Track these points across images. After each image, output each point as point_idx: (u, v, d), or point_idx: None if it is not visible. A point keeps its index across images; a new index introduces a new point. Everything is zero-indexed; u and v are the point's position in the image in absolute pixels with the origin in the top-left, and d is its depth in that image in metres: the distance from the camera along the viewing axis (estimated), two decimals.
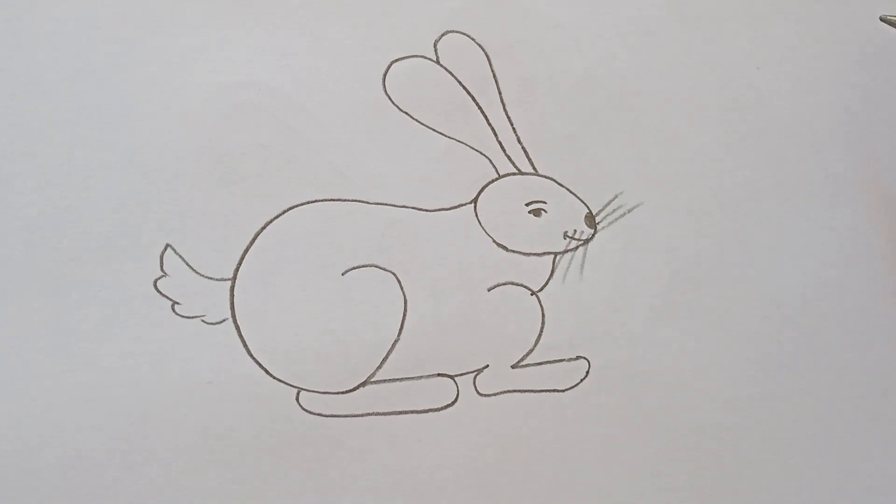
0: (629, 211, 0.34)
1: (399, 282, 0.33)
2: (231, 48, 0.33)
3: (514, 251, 0.34)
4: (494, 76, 0.34)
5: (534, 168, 0.34)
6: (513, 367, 0.34)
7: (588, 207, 0.34)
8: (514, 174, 0.34)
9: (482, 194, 0.34)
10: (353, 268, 0.33)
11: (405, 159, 0.34)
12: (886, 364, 0.35)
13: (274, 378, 0.33)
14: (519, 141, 0.34)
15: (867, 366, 0.35)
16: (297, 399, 0.33)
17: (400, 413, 0.33)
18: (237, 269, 0.33)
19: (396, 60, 0.34)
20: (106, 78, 0.33)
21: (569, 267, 0.34)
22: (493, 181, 0.34)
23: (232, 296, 0.33)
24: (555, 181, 0.34)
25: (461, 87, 0.34)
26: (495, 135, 0.34)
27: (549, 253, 0.34)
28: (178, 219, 0.33)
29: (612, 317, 0.34)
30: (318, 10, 0.33)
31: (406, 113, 0.34)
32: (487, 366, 0.34)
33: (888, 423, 0.34)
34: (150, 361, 0.32)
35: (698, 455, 0.34)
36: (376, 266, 0.33)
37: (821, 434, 0.34)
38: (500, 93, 0.34)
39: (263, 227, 0.33)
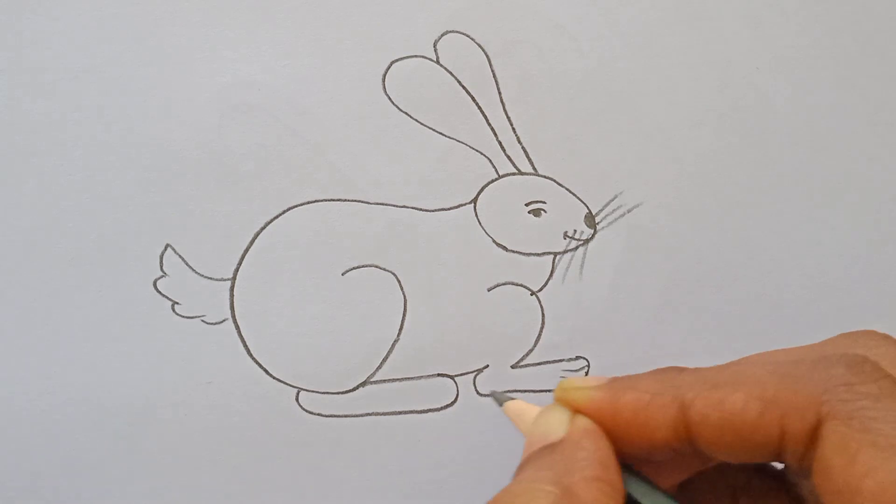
0: (629, 211, 0.34)
1: (399, 282, 0.33)
2: (231, 48, 0.33)
3: (514, 251, 0.34)
4: (494, 76, 0.34)
5: (534, 168, 0.34)
6: (513, 367, 0.34)
7: (588, 207, 0.34)
8: (513, 174, 0.34)
9: (482, 194, 0.34)
10: (353, 268, 0.33)
11: (405, 159, 0.34)
12: None
13: (274, 378, 0.33)
14: (519, 141, 0.34)
15: None
16: (297, 399, 0.33)
17: (400, 413, 0.33)
18: (237, 269, 0.33)
19: (396, 60, 0.34)
20: (106, 78, 0.33)
21: (569, 267, 0.34)
22: (492, 181, 0.34)
23: (232, 296, 0.33)
24: (555, 181, 0.34)
25: (461, 87, 0.34)
26: (495, 135, 0.34)
27: (549, 253, 0.34)
28: (178, 219, 0.33)
29: (612, 317, 0.34)
30: (318, 10, 0.33)
31: (406, 113, 0.34)
32: (487, 366, 0.34)
33: None
34: (150, 361, 0.32)
35: None
36: (376, 266, 0.33)
37: None
38: (499, 93, 0.34)
39: (263, 227, 0.33)
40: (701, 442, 0.22)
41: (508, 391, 0.34)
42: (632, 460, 0.24)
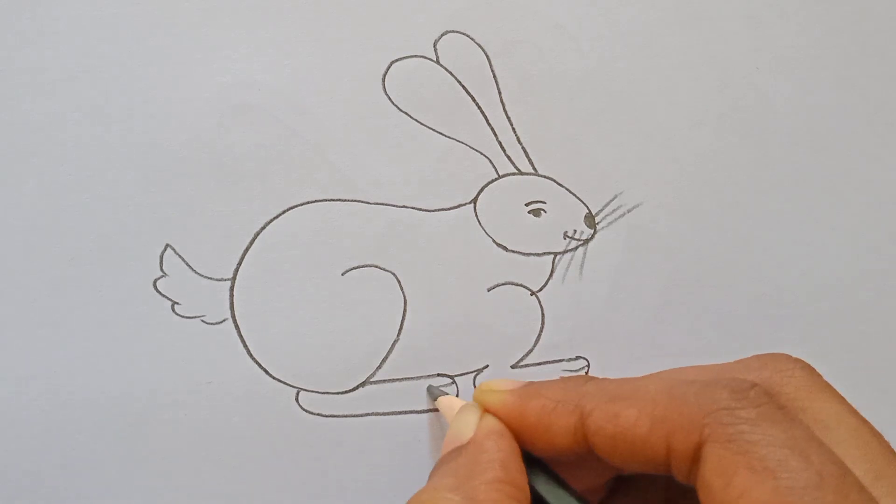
0: (629, 211, 0.34)
1: (399, 282, 0.33)
2: (231, 48, 0.33)
3: (514, 251, 0.34)
4: (494, 76, 0.34)
5: (534, 168, 0.34)
6: (513, 367, 0.34)
7: (588, 207, 0.34)
8: (513, 174, 0.34)
9: (482, 194, 0.34)
10: (353, 268, 0.33)
11: (405, 159, 0.34)
12: (886, 363, 0.35)
13: (274, 378, 0.33)
14: (519, 141, 0.34)
15: (867, 365, 0.35)
16: (297, 399, 0.33)
17: (400, 413, 0.33)
18: (237, 269, 0.33)
19: (396, 60, 0.34)
20: (106, 78, 0.33)
21: (568, 267, 0.34)
22: (492, 181, 0.34)
23: (232, 296, 0.33)
24: (555, 181, 0.34)
25: (461, 87, 0.34)
26: (495, 135, 0.34)
27: (549, 253, 0.34)
28: (178, 219, 0.33)
29: (612, 317, 0.34)
30: (318, 9, 0.33)
31: (406, 113, 0.34)
32: (487, 366, 0.34)
33: (887, 422, 0.34)
34: (150, 361, 0.32)
35: None
36: (376, 266, 0.33)
37: None
38: (500, 93, 0.34)
39: (263, 227, 0.33)
40: (597, 450, 0.23)
41: None
42: (548, 459, 0.25)
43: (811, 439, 0.20)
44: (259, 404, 0.33)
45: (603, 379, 0.25)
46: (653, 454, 0.22)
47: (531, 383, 0.26)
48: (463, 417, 0.25)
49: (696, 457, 0.21)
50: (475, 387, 0.34)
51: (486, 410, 0.25)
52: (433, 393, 0.32)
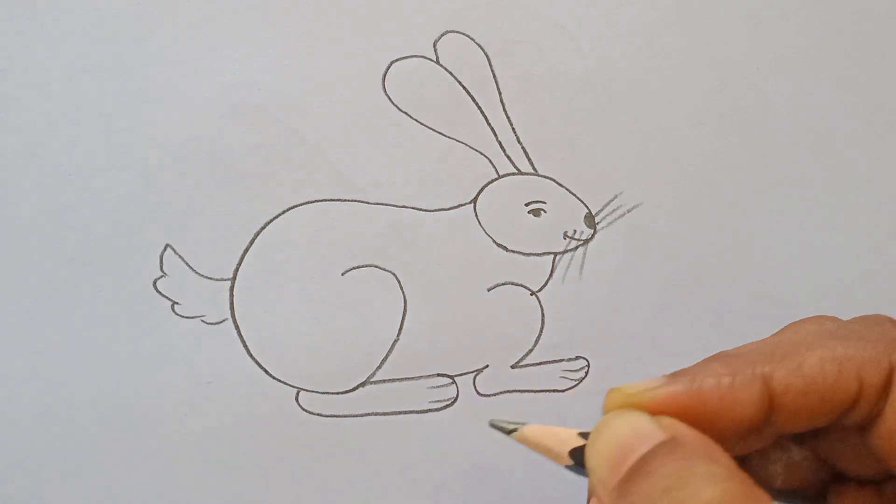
0: (629, 211, 0.34)
1: (399, 282, 0.33)
2: (231, 48, 0.33)
3: (514, 251, 0.34)
4: (494, 76, 0.34)
5: (533, 168, 0.34)
6: (512, 367, 0.34)
7: (588, 207, 0.34)
8: (513, 174, 0.34)
9: (482, 194, 0.34)
10: (353, 268, 0.33)
11: (405, 159, 0.34)
12: None
13: (274, 378, 0.33)
14: (519, 141, 0.34)
15: None
16: (297, 399, 0.33)
17: (400, 413, 0.33)
18: (237, 269, 0.33)
19: (396, 60, 0.34)
20: (106, 78, 0.33)
21: (568, 267, 0.34)
22: (492, 181, 0.34)
23: (232, 296, 0.33)
24: (554, 181, 0.34)
25: (461, 87, 0.34)
26: (495, 135, 0.34)
27: (549, 253, 0.34)
28: (178, 219, 0.33)
29: (612, 317, 0.34)
30: (319, 10, 0.33)
31: (406, 113, 0.34)
32: (487, 366, 0.34)
33: None
34: (150, 361, 0.32)
35: None
36: (376, 266, 0.33)
37: None
38: (499, 93, 0.34)
39: (263, 227, 0.33)
40: (783, 411, 0.22)
41: (508, 391, 0.34)
42: None
43: None
44: (259, 404, 0.33)
45: (740, 347, 0.24)
46: (843, 396, 0.22)
47: (675, 373, 0.23)
48: (625, 426, 0.22)
49: (885, 386, 0.22)
50: (475, 387, 0.34)
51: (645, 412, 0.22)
52: (504, 428, 0.25)
